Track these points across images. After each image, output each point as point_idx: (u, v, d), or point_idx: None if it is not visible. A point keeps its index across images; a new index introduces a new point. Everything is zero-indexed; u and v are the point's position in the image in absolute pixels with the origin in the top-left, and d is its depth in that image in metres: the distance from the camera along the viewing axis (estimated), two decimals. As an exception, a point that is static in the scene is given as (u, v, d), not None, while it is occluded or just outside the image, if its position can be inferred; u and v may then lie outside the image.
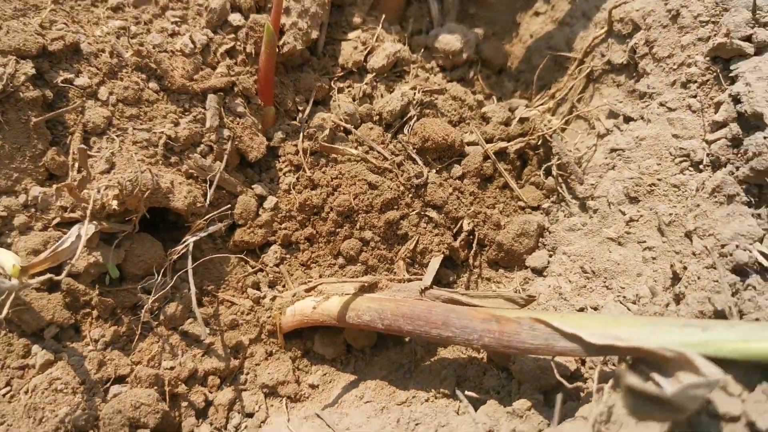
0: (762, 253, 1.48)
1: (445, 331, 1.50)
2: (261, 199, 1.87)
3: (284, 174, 1.91)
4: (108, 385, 1.54)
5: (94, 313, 1.59)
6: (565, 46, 2.20)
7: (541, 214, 1.97)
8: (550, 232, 1.92)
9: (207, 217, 1.72)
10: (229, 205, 1.80)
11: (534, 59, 2.32)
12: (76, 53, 1.66)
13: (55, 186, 1.59)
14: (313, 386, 1.76)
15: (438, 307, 1.54)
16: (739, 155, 1.60)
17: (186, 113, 1.76)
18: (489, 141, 2.00)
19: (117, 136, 1.66)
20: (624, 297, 1.64)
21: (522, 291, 1.84)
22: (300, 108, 1.97)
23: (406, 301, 1.59)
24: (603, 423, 1.26)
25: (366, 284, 1.68)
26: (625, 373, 1.06)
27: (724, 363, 1.12)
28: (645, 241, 1.69)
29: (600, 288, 1.70)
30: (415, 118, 1.95)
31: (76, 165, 1.61)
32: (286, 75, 1.99)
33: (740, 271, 1.50)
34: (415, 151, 1.91)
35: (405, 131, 1.94)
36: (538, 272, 1.86)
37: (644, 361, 1.21)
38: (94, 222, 1.56)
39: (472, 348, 1.64)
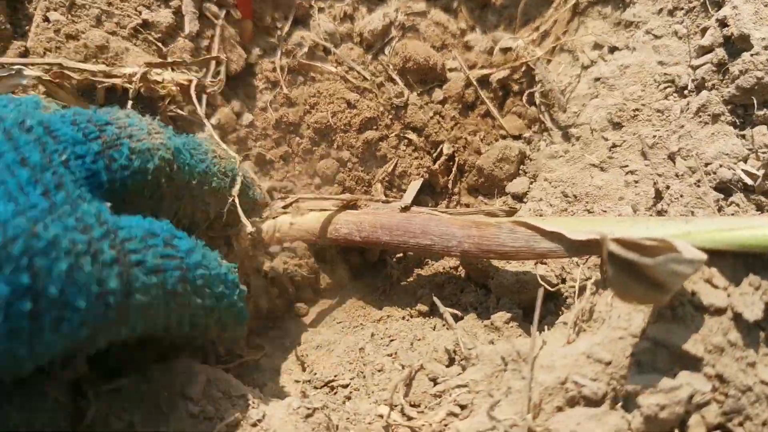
0: (745, 172, 1.47)
1: (424, 239, 1.46)
2: (237, 115, 1.80)
3: (260, 91, 1.84)
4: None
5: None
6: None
7: (523, 143, 1.94)
8: (531, 160, 1.88)
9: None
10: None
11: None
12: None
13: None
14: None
15: (417, 216, 1.51)
16: (725, 80, 1.59)
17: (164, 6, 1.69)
18: (471, 68, 1.97)
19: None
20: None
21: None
22: (278, 25, 1.90)
23: (385, 212, 1.55)
24: (585, 321, 1.24)
25: (345, 202, 1.63)
26: (608, 241, 1.03)
27: (709, 255, 1.10)
28: (627, 165, 1.67)
29: (581, 212, 1.67)
30: (397, 39, 1.90)
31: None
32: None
33: (723, 189, 1.49)
34: (396, 71, 1.86)
35: (386, 52, 1.89)
36: (519, 198, 1.83)
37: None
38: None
39: (451, 256, 1.60)
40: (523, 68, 1.97)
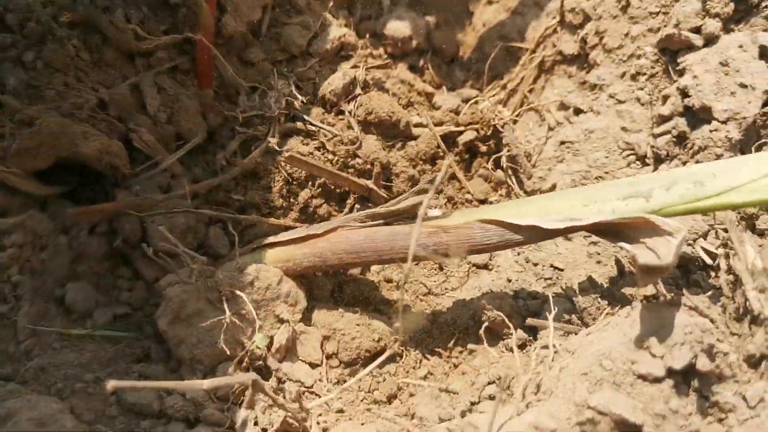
0: (704, 250, 1.46)
1: (396, 254, 1.50)
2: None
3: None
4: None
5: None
6: (518, 36, 2.15)
7: (489, 206, 1.93)
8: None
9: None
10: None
11: (486, 48, 2.26)
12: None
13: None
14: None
15: (379, 233, 1.52)
16: (686, 149, 1.57)
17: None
18: (438, 125, 1.96)
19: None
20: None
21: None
22: (239, 92, 1.88)
23: (339, 236, 1.55)
24: (534, 394, 1.23)
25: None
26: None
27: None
28: (590, 236, 1.66)
29: (539, 279, 1.66)
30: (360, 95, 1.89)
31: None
32: (228, 58, 1.90)
33: (685, 268, 1.48)
34: (358, 123, 1.85)
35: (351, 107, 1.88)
36: (483, 266, 1.81)
37: (605, 232, 1.30)
38: None
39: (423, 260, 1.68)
40: (491, 129, 1.95)
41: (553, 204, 1.38)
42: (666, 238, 1.17)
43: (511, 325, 1.49)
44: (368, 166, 1.83)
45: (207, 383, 1.26)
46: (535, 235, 1.37)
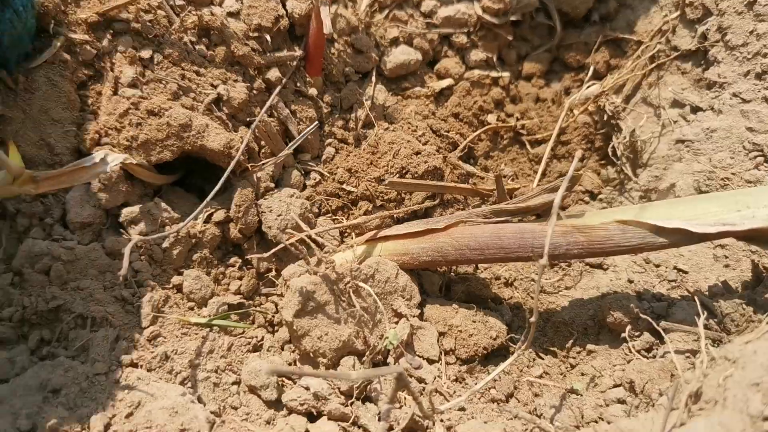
0: None
1: (524, 252, 1.46)
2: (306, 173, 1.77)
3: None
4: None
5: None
6: (627, 28, 2.08)
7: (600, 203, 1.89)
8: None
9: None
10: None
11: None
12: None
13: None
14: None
15: (505, 230, 1.48)
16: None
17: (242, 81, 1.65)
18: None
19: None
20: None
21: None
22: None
23: (462, 231, 1.51)
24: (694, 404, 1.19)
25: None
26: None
27: None
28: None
29: (665, 284, 1.62)
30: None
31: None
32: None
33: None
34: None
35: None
36: (597, 266, 1.77)
37: (762, 239, 1.26)
38: (126, 154, 1.46)
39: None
40: (604, 117, 1.90)
41: (701, 207, 1.34)
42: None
43: (651, 323, 1.44)
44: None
45: (356, 374, 1.24)
46: (682, 238, 1.32)
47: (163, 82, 1.54)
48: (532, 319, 1.24)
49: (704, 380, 1.18)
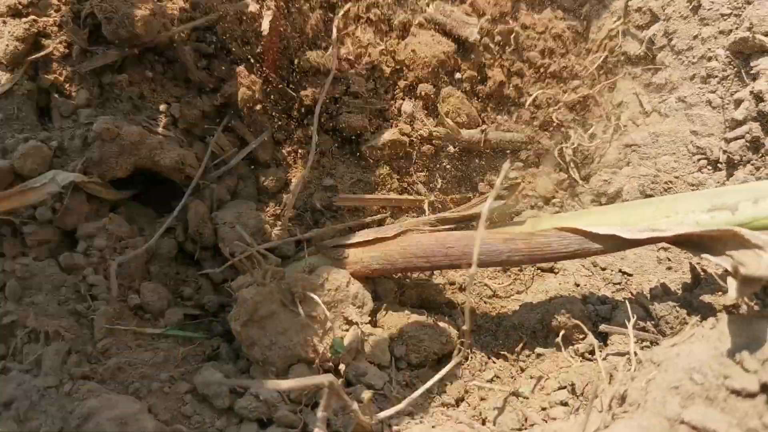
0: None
1: (468, 259, 1.47)
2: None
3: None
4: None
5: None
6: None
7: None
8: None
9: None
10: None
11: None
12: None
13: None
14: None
15: (449, 238, 1.52)
16: (760, 155, 1.55)
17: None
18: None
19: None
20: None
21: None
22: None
23: (409, 239, 1.56)
24: (619, 406, 1.23)
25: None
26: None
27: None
28: (661, 242, 1.64)
29: (610, 287, 1.65)
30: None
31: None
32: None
33: None
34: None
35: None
36: (548, 270, 1.81)
37: (687, 244, 1.29)
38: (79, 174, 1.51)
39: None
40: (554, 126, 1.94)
41: (633, 213, 1.37)
42: (755, 251, 1.15)
43: (585, 330, 1.48)
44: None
45: (286, 383, 1.28)
46: (615, 244, 1.36)
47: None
48: (465, 327, 1.28)
49: (630, 383, 1.22)
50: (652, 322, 1.44)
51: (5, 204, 1.39)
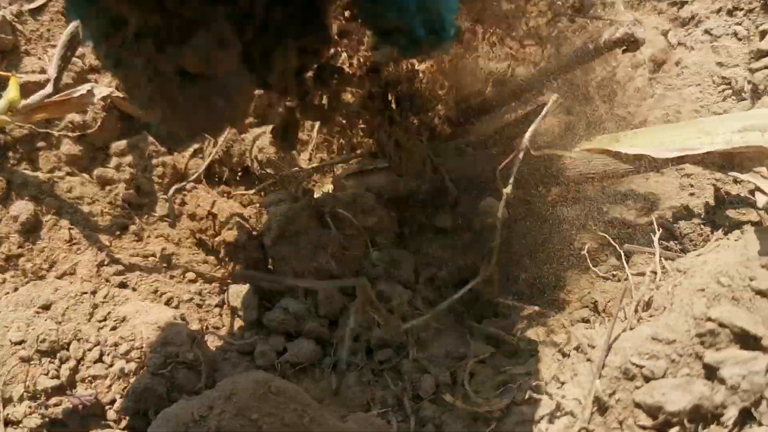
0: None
1: None
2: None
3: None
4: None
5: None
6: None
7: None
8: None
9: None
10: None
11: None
12: None
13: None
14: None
15: None
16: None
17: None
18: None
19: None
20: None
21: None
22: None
23: None
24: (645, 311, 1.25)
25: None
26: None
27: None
28: (684, 169, 1.66)
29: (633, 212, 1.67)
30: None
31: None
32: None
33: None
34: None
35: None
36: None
37: (717, 162, 1.30)
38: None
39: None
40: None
41: (663, 136, 1.38)
42: (784, 169, 1.17)
43: (611, 242, 1.50)
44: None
45: (321, 283, 1.31)
46: (644, 164, 1.37)
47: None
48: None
49: (656, 291, 1.25)
50: (676, 242, 1.46)
51: (46, 112, 1.41)
